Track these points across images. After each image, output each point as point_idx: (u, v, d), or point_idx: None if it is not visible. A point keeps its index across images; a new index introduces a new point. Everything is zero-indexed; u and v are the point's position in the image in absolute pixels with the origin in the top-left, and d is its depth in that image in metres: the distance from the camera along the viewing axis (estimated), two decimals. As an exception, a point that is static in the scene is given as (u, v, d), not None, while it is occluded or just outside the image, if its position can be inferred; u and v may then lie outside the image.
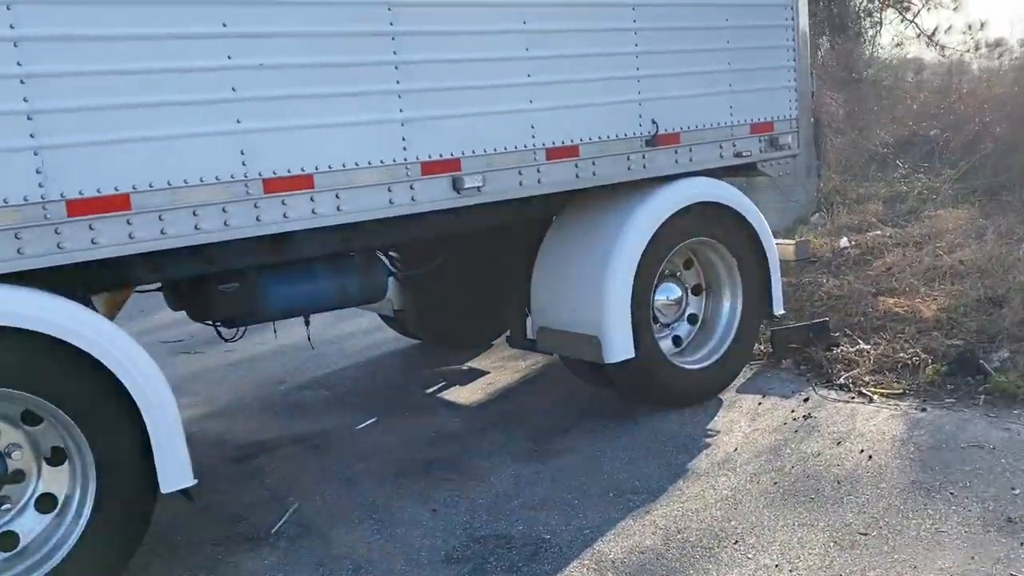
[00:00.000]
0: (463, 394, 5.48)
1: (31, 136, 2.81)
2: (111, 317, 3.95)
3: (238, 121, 3.22)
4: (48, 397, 2.93)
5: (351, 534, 3.61)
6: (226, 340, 4.28)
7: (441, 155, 3.75)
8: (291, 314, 4.26)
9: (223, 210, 3.22)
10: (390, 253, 5.21)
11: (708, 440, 4.33)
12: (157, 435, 3.08)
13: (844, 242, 7.17)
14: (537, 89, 4.01)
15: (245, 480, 4.34)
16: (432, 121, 3.70)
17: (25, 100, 2.79)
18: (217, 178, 3.19)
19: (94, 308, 3.72)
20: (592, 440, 4.45)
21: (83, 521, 3.05)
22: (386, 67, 3.55)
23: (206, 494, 4.18)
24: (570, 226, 4.72)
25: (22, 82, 2.78)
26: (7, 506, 3.06)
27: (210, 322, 4.08)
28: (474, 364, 6.12)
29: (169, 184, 3.09)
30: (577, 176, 4.24)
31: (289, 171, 3.35)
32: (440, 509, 3.79)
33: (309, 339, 4.88)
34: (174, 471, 3.14)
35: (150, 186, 3.05)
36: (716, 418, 4.62)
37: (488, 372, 5.89)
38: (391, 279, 5.47)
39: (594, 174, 4.30)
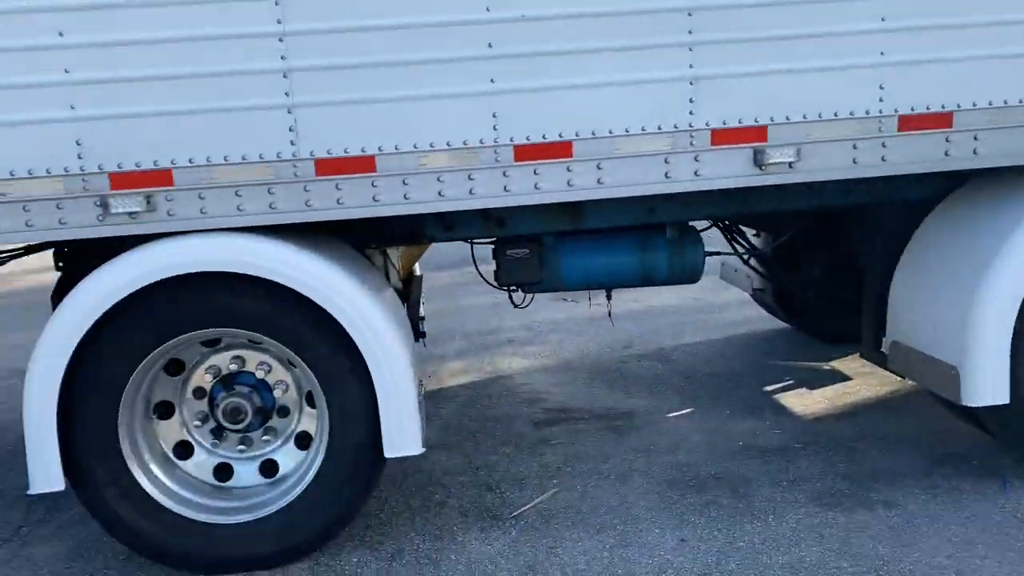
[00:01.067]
0: (804, 400, 4.67)
1: (285, 95, 2.88)
2: (408, 268, 4.07)
3: (492, 81, 2.96)
4: (290, 345, 3.06)
5: (582, 542, 3.27)
6: (516, 306, 4.14)
7: (740, 121, 3.06)
8: (586, 286, 3.95)
9: (469, 177, 3.02)
10: (733, 227, 4.56)
11: (1099, 543, 3.04)
12: (386, 402, 3.06)
13: None
14: (892, 37, 3.04)
15: (529, 448, 4.22)
16: (731, 80, 3.02)
17: (283, 58, 2.86)
18: (465, 143, 2.98)
19: (391, 260, 3.85)
20: (926, 500, 3.43)
21: (316, 464, 3.18)
22: (676, 14, 2.96)
23: (486, 454, 4.17)
24: (951, 216, 3.61)
25: (280, 40, 2.84)
26: (268, 437, 3.33)
27: (500, 286, 3.95)
28: (839, 365, 5.20)
29: (415, 147, 2.97)
30: (947, 154, 3.18)
31: (544, 137, 3.01)
32: (690, 540, 3.23)
33: (610, 315, 4.53)
34: (401, 438, 3.10)
35: (396, 148, 2.97)
36: None
37: (850, 379, 4.94)
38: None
39: (975, 152, 3.18)
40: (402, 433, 3.10)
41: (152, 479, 3.15)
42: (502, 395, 5.08)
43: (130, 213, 2.89)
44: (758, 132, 3.06)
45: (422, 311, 5.23)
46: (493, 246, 3.89)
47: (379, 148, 2.96)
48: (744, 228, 4.74)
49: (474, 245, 4.06)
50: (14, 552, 3.45)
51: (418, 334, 5.06)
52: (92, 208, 2.88)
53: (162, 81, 2.81)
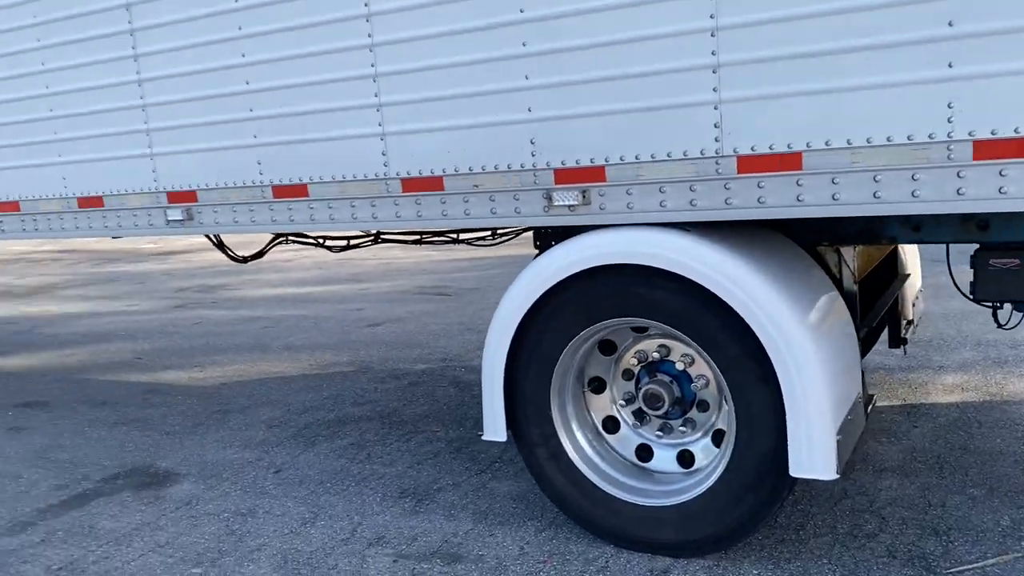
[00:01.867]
0: None
1: (713, 90, 2.82)
2: (864, 271, 3.68)
3: (949, 65, 2.47)
4: (701, 342, 3.03)
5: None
6: (1000, 326, 3.41)
7: None
8: (1101, 312, 3.11)
9: (912, 178, 2.59)
10: None
11: None
12: (794, 418, 2.86)
13: None
14: None
15: (1007, 495, 3.52)
16: None
17: (713, 53, 2.79)
18: (910, 138, 2.57)
19: (843, 260, 3.54)
20: None
21: (723, 464, 3.12)
22: None
23: (948, 491, 3.62)
24: None
25: (712, 35, 2.77)
26: (686, 428, 3.36)
27: (977, 300, 3.32)
28: None
29: (848, 143, 2.66)
30: None
31: (1017, 131, 2.43)
32: None
33: None
34: (809, 459, 2.86)
35: (826, 144, 2.69)
36: None
37: None
38: None
39: None
40: (811, 454, 2.87)
41: (576, 447, 3.43)
42: (997, 424, 4.29)
43: (569, 206, 3.16)
44: None
45: (910, 314, 4.67)
46: (974, 251, 3.29)
47: (807, 144, 2.72)
48: None
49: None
50: (484, 483, 4.09)
51: (898, 340, 4.55)
52: (540, 200, 3.21)
53: (599, 83, 2.98)
